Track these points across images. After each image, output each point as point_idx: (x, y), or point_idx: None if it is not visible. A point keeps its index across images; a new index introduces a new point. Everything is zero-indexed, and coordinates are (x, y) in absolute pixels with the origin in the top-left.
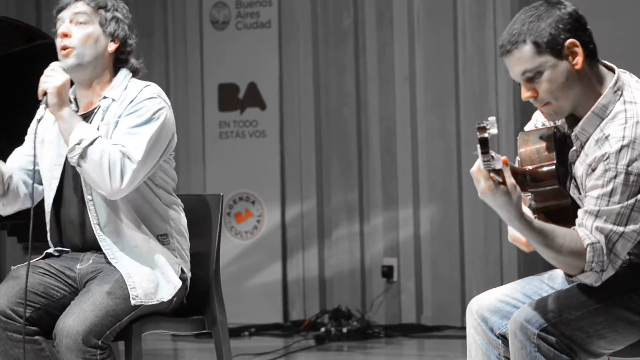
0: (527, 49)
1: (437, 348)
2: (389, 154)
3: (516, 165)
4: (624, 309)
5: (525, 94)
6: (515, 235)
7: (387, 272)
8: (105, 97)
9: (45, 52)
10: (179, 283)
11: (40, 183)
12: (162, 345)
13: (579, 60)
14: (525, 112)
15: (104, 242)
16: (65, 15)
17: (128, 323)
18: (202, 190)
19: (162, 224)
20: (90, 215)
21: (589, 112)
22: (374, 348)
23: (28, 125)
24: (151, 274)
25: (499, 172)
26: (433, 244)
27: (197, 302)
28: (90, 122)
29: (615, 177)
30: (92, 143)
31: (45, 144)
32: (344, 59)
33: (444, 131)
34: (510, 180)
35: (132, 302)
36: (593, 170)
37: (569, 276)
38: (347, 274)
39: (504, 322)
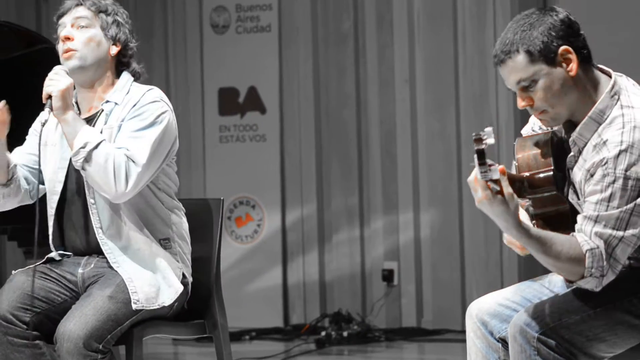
0: (521, 58)
1: (437, 352)
2: (389, 157)
3: (513, 171)
4: (624, 312)
5: (521, 103)
6: (511, 238)
7: (388, 275)
8: (108, 101)
9: (46, 56)
10: (181, 288)
11: (42, 183)
12: (163, 349)
13: (573, 66)
14: (525, 114)
15: (106, 245)
16: (66, 19)
17: (129, 327)
18: (202, 195)
19: (164, 228)
20: (92, 219)
21: (586, 118)
22: (375, 352)
23: (28, 130)
24: (153, 279)
25: (496, 181)
26: (433, 248)
27: (197, 306)
28: (93, 126)
29: (613, 182)
30: (96, 146)
31: (48, 147)
32: (344, 61)
33: (444, 133)
34: (507, 189)
35: (134, 306)
36: (591, 175)
37: (569, 282)
38: (348, 278)
39: (503, 326)
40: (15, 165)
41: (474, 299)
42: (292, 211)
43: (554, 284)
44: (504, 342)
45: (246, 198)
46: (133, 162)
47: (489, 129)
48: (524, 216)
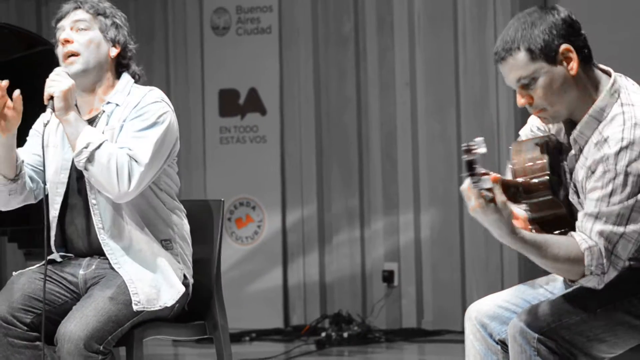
0: (521, 56)
1: (437, 352)
2: (389, 159)
3: (509, 176)
4: (624, 313)
5: (521, 101)
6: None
7: (388, 276)
8: (108, 103)
9: (46, 58)
10: (182, 289)
11: (44, 182)
12: (163, 350)
13: (573, 65)
14: (525, 115)
15: (107, 246)
16: (65, 23)
17: (130, 328)
18: (202, 196)
19: (165, 229)
20: (94, 219)
21: (586, 116)
22: (375, 353)
23: (28, 132)
24: (154, 280)
25: (489, 189)
26: (433, 249)
27: (198, 307)
28: (95, 127)
29: (614, 178)
30: (99, 146)
31: (50, 148)
32: (345, 64)
33: (444, 135)
34: (500, 197)
35: (134, 307)
36: (592, 172)
37: (571, 281)
38: (348, 279)
39: (503, 328)
40: (23, 162)
41: (474, 299)
42: (293, 212)
43: (553, 286)
44: (503, 344)
45: (246, 199)
46: (136, 161)
47: (479, 139)
48: (517, 224)
